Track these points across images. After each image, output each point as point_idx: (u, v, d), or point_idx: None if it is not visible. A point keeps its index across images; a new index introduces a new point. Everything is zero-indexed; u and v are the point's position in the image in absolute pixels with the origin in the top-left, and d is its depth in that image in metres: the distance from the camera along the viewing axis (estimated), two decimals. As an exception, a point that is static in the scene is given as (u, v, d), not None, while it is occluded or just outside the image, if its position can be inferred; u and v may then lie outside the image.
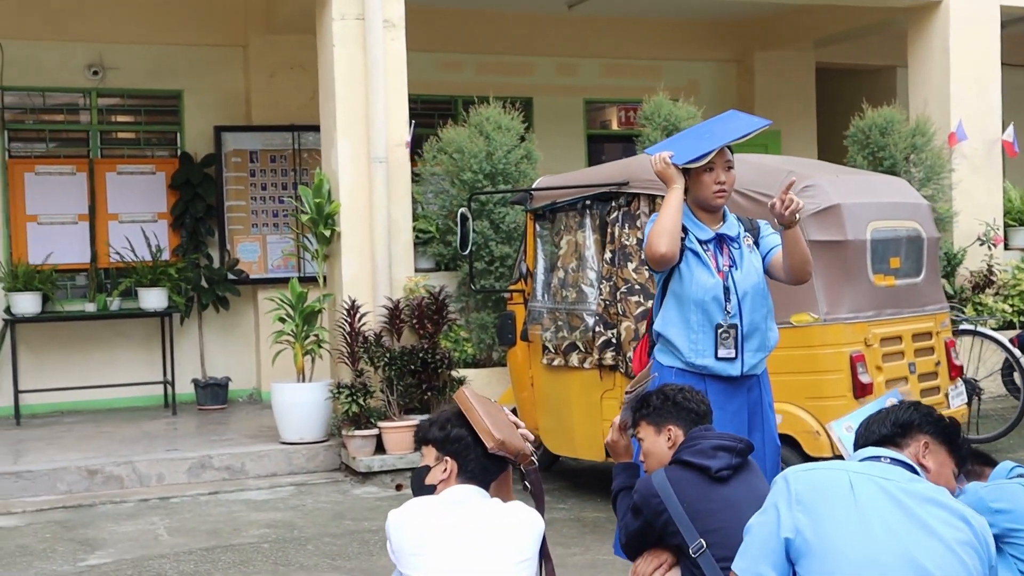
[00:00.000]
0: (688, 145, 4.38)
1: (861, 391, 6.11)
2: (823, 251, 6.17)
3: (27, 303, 9.79)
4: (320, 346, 8.52)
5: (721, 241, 4.44)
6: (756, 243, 4.50)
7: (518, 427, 3.55)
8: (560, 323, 7.14)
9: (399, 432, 8.06)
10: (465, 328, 8.59)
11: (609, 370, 6.83)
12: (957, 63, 10.35)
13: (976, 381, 8.19)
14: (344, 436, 8.16)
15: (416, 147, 8.99)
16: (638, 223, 6.75)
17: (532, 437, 3.59)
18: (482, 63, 11.90)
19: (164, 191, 10.79)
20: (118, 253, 10.40)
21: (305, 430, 8.36)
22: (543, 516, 3.39)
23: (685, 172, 4.37)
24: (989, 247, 9.98)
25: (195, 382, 10.46)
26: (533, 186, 7.60)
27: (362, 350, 8.19)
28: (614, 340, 6.76)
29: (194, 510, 7.33)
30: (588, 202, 7.02)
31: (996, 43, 10.50)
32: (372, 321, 8.38)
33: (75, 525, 6.98)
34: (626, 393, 3.90)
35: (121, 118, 11.07)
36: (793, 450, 6.16)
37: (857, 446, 3.24)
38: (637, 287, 6.66)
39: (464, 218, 7.70)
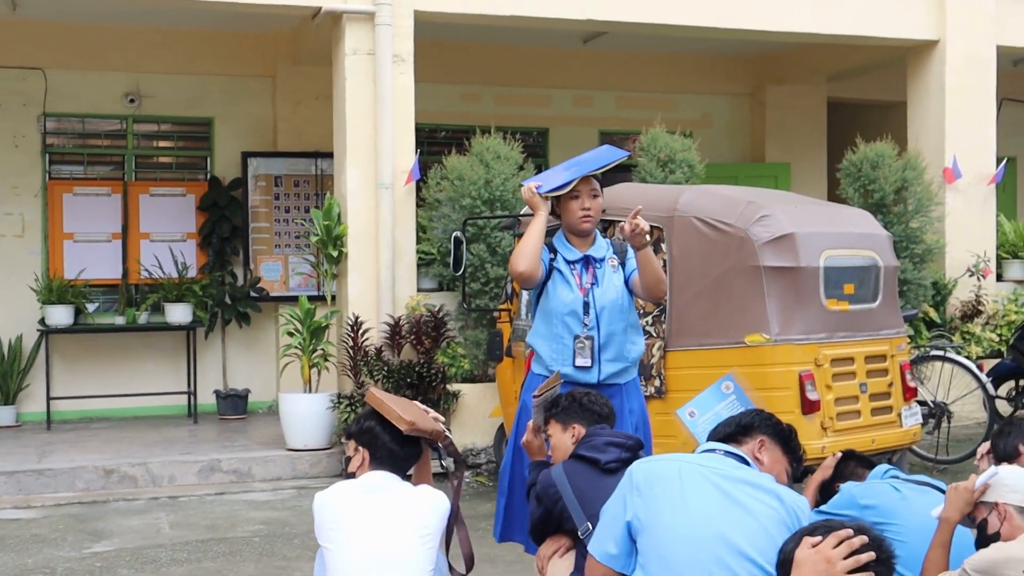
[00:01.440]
0: (556, 176, 4.86)
1: (809, 407, 6.51)
2: (777, 276, 6.60)
3: (60, 315, 10.44)
4: (326, 359, 9.05)
5: (588, 262, 4.88)
6: (623, 264, 4.93)
7: (429, 413, 4.04)
8: (541, 341, 7.60)
9: (395, 442, 8.55)
10: (463, 345, 9.07)
11: (583, 385, 7.27)
12: (953, 101, 10.69)
13: (946, 404, 8.52)
14: (344, 443, 8.67)
15: (425, 174, 9.54)
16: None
17: (443, 419, 4.09)
18: (500, 95, 12.44)
19: (193, 212, 11.42)
20: (147, 270, 11.04)
21: (310, 438, 8.88)
22: (464, 474, 3.90)
23: (557, 200, 4.84)
24: (979, 278, 10.30)
25: (216, 393, 11.04)
26: (520, 213, 8.08)
27: (363, 364, 8.71)
28: (588, 357, 7.19)
29: (199, 508, 7.87)
30: (569, 228, 7.48)
31: (992, 81, 10.82)
32: (375, 337, 8.90)
33: (87, 519, 7.54)
34: (533, 397, 4.37)
35: (155, 143, 11.74)
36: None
37: (709, 440, 3.70)
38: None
39: (458, 241, 8.19)
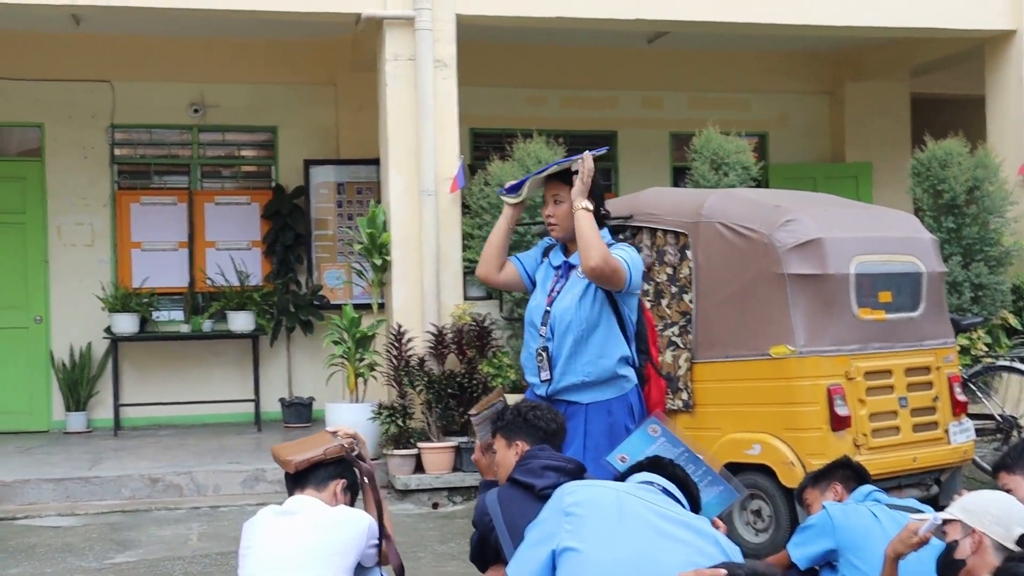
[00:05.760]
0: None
1: (838, 424, 6.16)
2: (802, 284, 6.27)
3: (125, 323, 10.61)
4: (372, 369, 8.98)
5: (569, 268, 4.62)
6: None
7: (337, 433, 3.95)
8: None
9: (436, 453, 8.44)
10: (509, 355, 8.89)
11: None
12: (1032, 93, 10.13)
13: (1015, 418, 8.03)
14: (385, 455, 8.59)
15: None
16: (641, 254, 6.96)
17: (352, 435, 3.93)
18: (566, 98, 12.23)
19: (258, 220, 11.50)
20: (210, 278, 11.15)
21: (354, 448, 8.80)
22: (376, 485, 3.75)
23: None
24: (1060, 282, 9.72)
25: (281, 401, 11.09)
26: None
27: (404, 374, 8.61)
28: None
29: (236, 518, 7.83)
30: (601, 234, 7.26)
31: (1076, 72, 10.21)
32: (420, 346, 8.78)
33: (123, 528, 7.61)
34: (471, 415, 4.17)
35: (220, 152, 11.86)
36: (771, 479, 6.25)
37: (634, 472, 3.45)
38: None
39: (494, 249, 8.04)
